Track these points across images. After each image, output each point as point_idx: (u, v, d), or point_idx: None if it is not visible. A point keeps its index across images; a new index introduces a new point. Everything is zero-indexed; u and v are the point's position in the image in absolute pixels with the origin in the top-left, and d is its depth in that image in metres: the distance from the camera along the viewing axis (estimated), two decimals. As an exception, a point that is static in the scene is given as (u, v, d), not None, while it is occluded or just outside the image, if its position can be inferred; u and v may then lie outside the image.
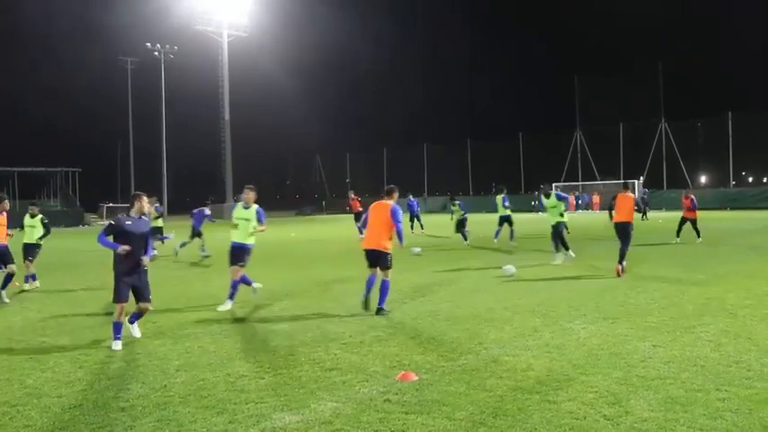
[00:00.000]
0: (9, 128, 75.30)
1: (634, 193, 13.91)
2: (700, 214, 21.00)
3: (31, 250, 12.69)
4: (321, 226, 39.67)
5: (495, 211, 21.45)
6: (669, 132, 55.11)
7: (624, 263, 12.69)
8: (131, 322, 7.84)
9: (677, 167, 54.16)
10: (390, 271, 9.34)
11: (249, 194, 10.14)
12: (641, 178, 52.79)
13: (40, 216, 12.94)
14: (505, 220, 20.52)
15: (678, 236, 19.70)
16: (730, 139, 50.81)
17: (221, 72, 58.58)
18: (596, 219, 37.56)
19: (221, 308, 9.55)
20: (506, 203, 20.57)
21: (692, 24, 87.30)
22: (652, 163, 55.77)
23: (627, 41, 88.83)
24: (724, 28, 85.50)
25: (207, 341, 7.70)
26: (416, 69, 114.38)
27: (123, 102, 68.63)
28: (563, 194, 15.58)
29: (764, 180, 67.10)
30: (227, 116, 59.01)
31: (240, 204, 10.20)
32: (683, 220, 20.08)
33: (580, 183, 57.87)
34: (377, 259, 9.28)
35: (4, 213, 11.68)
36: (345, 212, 26.31)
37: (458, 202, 22.22)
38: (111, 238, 7.62)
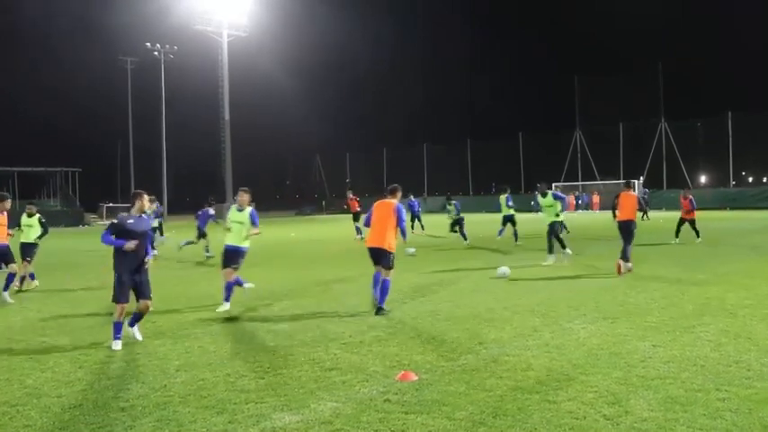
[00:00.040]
0: (9, 128, 75.36)
1: (636, 192, 13.92)
2: (699, 214, 21.01)
3: (28, 250, 12.57)
4: (321, 226, 39.68)
5: (499, 210, 21.50)
6: (669, 132, 55.11)
7: (630, 263, 12.80)
8: (131, 326, 7.70)
9: (677, 167, 54.17)
10: (392, 271, 9.40)
11: (243, 197, 10.02)
12: (641, 178, 52.77)
13: (37, 215, 12.84)
14: (509, 219, 20.54)
15: (677, 236, 19.70)
16: (730, 138, 50.82)
17: (221, 72, 58.54)
18: (596, 218, 37.58)
19: (219, 309, 9.55)
20: (510, 203, 20.63)
21: (692, 24, 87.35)
22: (652, 163, 55.78)
23: (627, 41, 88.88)
24: (724, 28, 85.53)
25: (207, 341, 7.71)
26: (416, 69, 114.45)
27: (123, 102, 68.63)
28: (560, 194, 15.45)
29: (764, 180, 67.13)
30: (226, 116, 58.97)
31: (234, 207, 10.05)
32: (682, 221, 20.08)
33: (580, 183, 57.86)
34: (380, 257, 9.36)
35: (5, 213, 11.64)
36: (345, 212, 26.29)
37: (453, 202, 22.26)
38: (113, 238, 7.60)
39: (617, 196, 13.64)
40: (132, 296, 7.62)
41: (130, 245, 7.38)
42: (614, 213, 13.50)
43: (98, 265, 17.23)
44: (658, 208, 43.24)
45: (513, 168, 61.96)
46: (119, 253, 7.50)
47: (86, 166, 59.48)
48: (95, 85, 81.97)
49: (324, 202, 70.63)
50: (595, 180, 58.35)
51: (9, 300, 11.01)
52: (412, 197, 29.73)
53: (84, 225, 49.23)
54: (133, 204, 7.78)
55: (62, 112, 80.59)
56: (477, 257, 16.88)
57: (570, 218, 31.76)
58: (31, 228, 12.71)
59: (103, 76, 79.12)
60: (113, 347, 7.27)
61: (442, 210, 23.91)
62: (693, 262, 14.40)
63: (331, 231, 32.12)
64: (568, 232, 23.48)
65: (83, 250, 23.72)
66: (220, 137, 60.09)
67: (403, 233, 9.51)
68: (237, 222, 9.82)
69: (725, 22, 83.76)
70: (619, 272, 12.52)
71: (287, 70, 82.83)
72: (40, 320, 9.29)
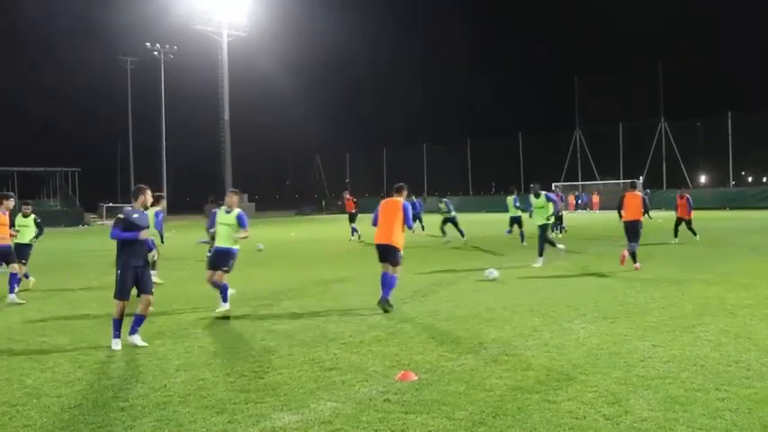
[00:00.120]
0: (9, 128, 75.47)
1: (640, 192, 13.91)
2: (697, 214, 21.00)
3: (23, 251, 12.30)
4: (321, 226, 39.69)
5: (505, 211, 21.56)
6: (669, 132, 55.16)
7: (638, 263, 12.92)
8: (132, 333, 7.50)
9: (677, 167, 54.21)
10: (400, 268, 9.59)
11: (232, 198, 9.91)
12: (641, 178, 52.79)
13: (32, 216, 12.69)
14: (516, 221, 20.59)
15: (676, 236, 19.69)
16: (730, 138, 50.86)
17: (221, 72, 58.58)
18: (596, 218, 37.62)
19: (219, 310, 9.54)
20: (517, 204, 20.70)
21: (692, 24, 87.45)
22: (652, 163, 55.84)
23: (627, 41, 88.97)
24: (724, 28, 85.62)
25: (207, 341, 7.71)
26: (416, 69, 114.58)
27: (123, 102, 68.70)
28: (552, 196, 15.25)
29: (764, 180, 67.19)
30: (226, 116, 59.00)
31: (223, 208, 9.94)
32: (679, 221, 20.07)
33: (580, 183, 57.91)
34: (388, 254, 9.49)
35: (7, 212, 11.58)
36: (345, 212, 26.30)
37: (445, 200, 22.34)
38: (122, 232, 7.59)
39: (622, 197, 13.69)
40: (132, 297, 7.61)
41: (144, 233, 7.47)
42: (620, 213, 13.54)
43: (98, 265, 17.24)
44: (658, 208, 43.24)
45: (512, 168, 62.06)
46: (125, 247, 7.47)
47: (86, 165, 59.59)
48: (95, 85, 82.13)
49: (324, 202, 70.66)
50: (595, 180, 58.41)
51: (19, 300, 10.93)
52: (413, 197, 29.82)
53: (83, 225, 49.23)
54: (136, 198, 7.80)
55: (62, 112, 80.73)
56: (477, 257, 16.88)
57: (570, 218, 31.82)
58: (27, 228, 12.48)
59: (103, 76, 79.28)
60: (113, 347, 7.27)
61: (435, 209, 24.06)
62: (693, 262, 14.40)
63: (331, 231, 32.12)
64: (566, 232, 23.53)
65: (83, 250, 23.72)
66: (220, 137, 60.15)
67: (410, 226, 9.73)
68: (225, 224, 9.70)
69: (725, 22, 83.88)
70: (622, 262, 12.78)
71: (287, 70, 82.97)
72: (40, 320, 9.29)
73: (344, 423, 4.79)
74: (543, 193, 14.91)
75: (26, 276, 12.60)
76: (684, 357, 6.34)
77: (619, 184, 56.31)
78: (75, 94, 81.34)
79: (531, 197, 15.22)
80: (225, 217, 9.75)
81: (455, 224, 21.60)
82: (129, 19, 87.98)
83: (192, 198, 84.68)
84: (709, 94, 70.28)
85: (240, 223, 9.62)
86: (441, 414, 4.93)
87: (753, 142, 51.18)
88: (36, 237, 12.67)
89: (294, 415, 5.01)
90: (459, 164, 66.67)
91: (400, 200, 9.69)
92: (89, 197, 61.04)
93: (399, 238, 9.51)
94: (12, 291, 11.04)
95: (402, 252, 9.60)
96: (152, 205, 13.19)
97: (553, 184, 47.53)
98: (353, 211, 25.18)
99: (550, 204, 14.73)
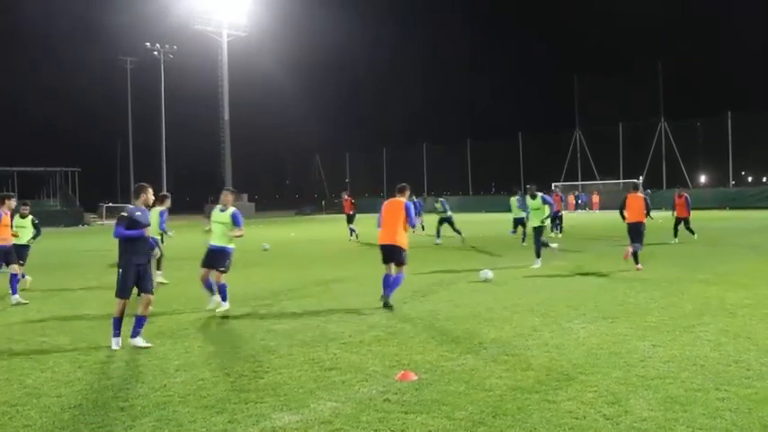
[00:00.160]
0: (9, 128, 75.49)
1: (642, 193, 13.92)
2: (697, 214, 21.01)
3: (21, 252, 12.20)
4: (321, 226, 39.68)
5: (509, 211, 21.56)
6: (669, 132, 55.16)
7: (640, 264, 12.93)
8: (134, 336, 7.44)
9: (677, 167, 54.22)
10: (405, 267, 9.67)
11: (227, 197, 9.93)
12: (641, 178, 52.82)
13: (30, 217, 12.68)
14: (520, 222, 20.58)
15: (675, 236, 19.69)
16: (730, 138, 50.85)
17: (221, 72, 58.61)
18: (595, 218, 37.61)
19: (219, 310, 9.54)
20: (521, 205, 20.66)
21: (692, 24, 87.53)
22: (652, 163, 55.84)
23: (627, 41, 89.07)
24: (724, 28, 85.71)
25: (207, 341, 7.71)
26: (416, 69, 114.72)
27: (123, 101, 68.69)
28: (549, 198, 15.10)
29: (764, 180, 67.20)
30: (226, 116, 59.02)
31: (217, 207, 9.96)
32: (678, 221, 20.06)
33: (580, 182, 57.91)
34: (393, 255, 9.60)
35: (8, 212, 11.56)
36: (344, 213, 26.30)
37: (441, 200, 22.34)
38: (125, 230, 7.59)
39: (624, 198, 13.71)
40: (132, 297, 7.60)
41: (147, 231, 7.50)
42: (622, 215, 13.55)
43: (98, 265, 17.25)
44: (658, 208, 43.24)
45: (512, 168, 62.09)
46: (128, 245, 7.45)
47: (86, 165, 59.56)
48: (95, 85, 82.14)
49: (323, 202, 70.67)
50: (595, 180, 58.40)
51: (23, 300, 10.91)
52: (414, 197, 29.84)
53: (83, 225, 49.22)
54: (138, 197, 7.80)
55: (62, 112, 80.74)
56: (477, 258, 16.88)
57: (570, 218, 31.82)
58: (24, 229, 12.46)
59: (103, 76, 79.32)
60: (113, 346, 7.26)
61: (432, 209, 24.11)
62: (693, 262, 14.41)
63: (331, 231, 32.11)
64: (562, 232, 23.52)
65: (83, 250, 23.72)
66: (220, 137, 60.18)
67: (413, 225, 9.84)
68: (219, 223, 9.70)
69: (725, 22, 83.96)
70: (626, 257, 12.90)
71: (286, 70, 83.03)
72: (40, 320, 9.28)
73: (344, 423, 4.79)
74: (539, 194, 14.80)
75: (22, 276, 12.60)
76: (684, 357, 6.34)
77: (619, 183, 56.35)
78: (75, 94, 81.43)
79: (528, 198, 15.19)
80: (220, 215, 9.77)
81: (451, 224, 21.59)
82: (129, 19, 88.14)
83: (192, 198, 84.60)
84: (709, 94, 70.42)
85: (235, 222, 9.65)
86: (441, 414, 4.93)
87: (753, 142, 51.19)
88: (33, 238, 12.68)
89: (294, 415, 5.01)
90: (459, 164, 66.68)
91: (402, 200, 9.80)
92: (89, 197, 61.08)
93: (403, 238, 9.64)
94: (14, 291, 11.03)
95: (407, 251, 9.70)
96: (158, 204, 13.23)
97: (553, 184, 47.50)
98: (351, 212, 25.13)
99: (546, 207, 14.64)
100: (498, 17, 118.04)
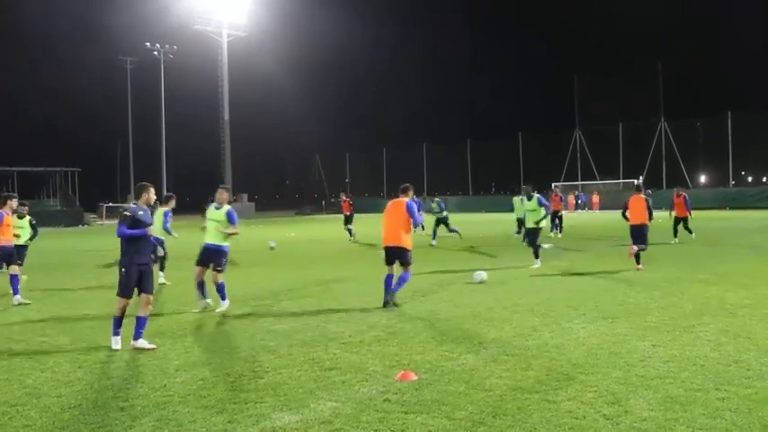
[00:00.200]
0: (9, 128, 75.39)
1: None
2: (697, 214, 20.99)
3: (19, 252, 12.08)
4: (321, 226, 39.67)
5: (511, 211, 21.54)
6: (669, 132, 55.16)
7: (640, 265, 12.95)
8: (136, 338, 7.38)
9: (677, 167, 54.23)
10: (411, 266, 9.76)
11: (222, 195, 9.92)
12: (641, 178, 52.81)
13: (28, 217, 12.65)
14: (523, 222, 20.53)
15: (675, 236, 19.69)
16: (730, 138, 50.86)
17: (221, 72, 58.61)
18: (595, 218, 37.61)
19: (219, 310, 9.55)
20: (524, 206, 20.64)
21: (692, 24, 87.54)
22: (651, 163, 55.86)
23: (627, 41, 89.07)
24: (724, 28, 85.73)
25: (207, 341, 7.71)
26: (416, 69, 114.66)
27: (123, 101, 68.68)
28: (545, 201, 14.87)
29: (764, 180, 67.22)
30: (226, 116, 59.03)
31: (213, 205, 9.95)
32: (677, 220, 20.06)
33: (580, 182, 57.91)
34: (397, 255, 9.65)
35: (10, 213, 11.54)
36: (342, 213, 26.31)
37: (437, 200, 22.34)
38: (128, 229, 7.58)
39: (627, 200, 13.71)
40: (133, 298, 7.60)
41: (150, 230, 7.52)
42: (625, 216, 13.57)
43: (98, 265, 17.24)
44: (658, 207, 43.26)
45: (512, 168, 62.11)
46: (130, 245, 7.44)
47: (86, 165, 59.52)
48: (95, 85, 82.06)
49: (323, 202, 70.67)
50: (595, 180, 58.41)
51: (25, 301, 10.89)
52: (414, 197, 29.83)
53: (83, 225, 49.18)
54: (140, 196, 7.79)
55: (62, 112, 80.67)
56: (477, 258, 16.88)
57: (570, 218, 31.81)
58: (23, 229, 12.41)
59: (103, 76, 79.26)
60: (113, 346, 7.25)
61: (428, 209, 24.13)
62: (693, 262, 14.41)
63: (331, 231, 32.10)
64: (562, 232, 23.51)
65: (82, 250, 23.71)
66: (220, 137, 60.14)
67: (416, 224, 9.85)
68: (214, 221, 9.70)
69: (725, 22, 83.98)
70: (630, 256, 13.01)
71: (286, 70, 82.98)
72: (40, 320, 9.28)
73: (344, 423, 4.79)
74: (536, 195, 14.68)
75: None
76: (684, 357, 6.34)
77: (619, 183, 56.37)
78: (75, 94, 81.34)
79: (524, 198, 15.12)
80: (215, 213, 9.78)
81: (446, 224, 21.58)
82: (129, 19, 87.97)
83: (192, 198, 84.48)
84: (709, 93, 70.43)
85: (229, 219, 9.66)
86: (440, 414, 4.93)
87: (753, 142, 51.20)
88: (31, 238, 12.67)
89: (294, 415, 5.01)
90: (459, 164, 66.68)
91: (405, 200, 9.82)
92: (89, 197, 61.03)
93: (407, 239, 9.69)
94: (16, 292, 11.02)
95: (412, 251, 9.74)
96: (162, 205, 13.22)
97: (553, 184, 47.48)
98: (349, 212, 25.10)
99: (542, 209, 14.39)
100: (498, 17, 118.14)
